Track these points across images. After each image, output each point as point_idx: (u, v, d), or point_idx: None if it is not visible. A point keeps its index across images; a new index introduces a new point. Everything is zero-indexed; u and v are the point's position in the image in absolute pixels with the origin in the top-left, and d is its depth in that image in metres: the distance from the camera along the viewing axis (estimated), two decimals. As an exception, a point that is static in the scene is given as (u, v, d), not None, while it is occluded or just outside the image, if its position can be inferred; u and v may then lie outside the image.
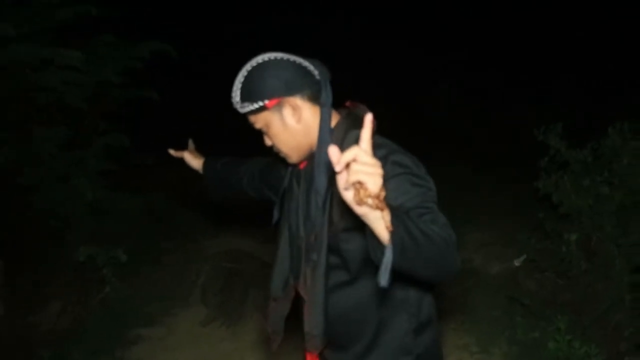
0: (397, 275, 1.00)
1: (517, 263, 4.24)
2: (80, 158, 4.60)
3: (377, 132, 1.25)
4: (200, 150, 2.07)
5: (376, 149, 1.01)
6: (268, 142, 1.41)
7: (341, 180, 0.90)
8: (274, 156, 1.49)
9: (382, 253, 0.95)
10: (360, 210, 0.91)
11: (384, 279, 0.94)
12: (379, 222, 0.92)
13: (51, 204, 4.36)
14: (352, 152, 0.87)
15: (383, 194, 0.90)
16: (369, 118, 0.93)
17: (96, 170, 4.63)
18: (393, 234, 0.92)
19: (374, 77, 9.63)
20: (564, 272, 3.72)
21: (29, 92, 4.26)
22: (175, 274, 4.51)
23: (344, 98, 1.44)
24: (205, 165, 1.93)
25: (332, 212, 1.27)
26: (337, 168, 0.89)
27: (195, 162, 1.97)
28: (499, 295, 3.82)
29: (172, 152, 2.02)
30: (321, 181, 1.25)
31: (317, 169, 1.26)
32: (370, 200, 0.89)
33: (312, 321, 1.32)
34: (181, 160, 2.05)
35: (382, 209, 0.91)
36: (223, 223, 5.53)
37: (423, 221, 1.05)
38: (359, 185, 0.89)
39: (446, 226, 1.09)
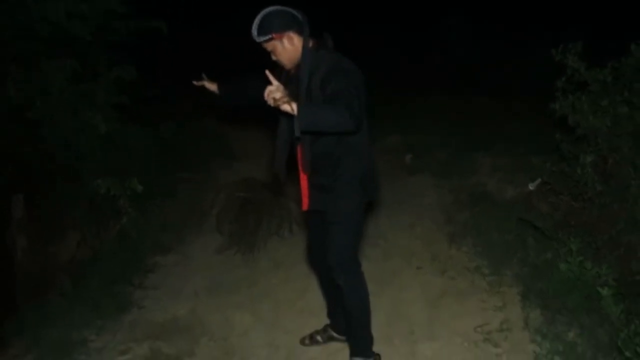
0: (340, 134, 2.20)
1: (531, 187, 4.18)
2: (90, 91, 4.56)
3: (344, 54, 2.23)
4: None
5: (330, 61, 2.18)
6: (274, 57, 2.28)
7: (269, 100, 1.88)
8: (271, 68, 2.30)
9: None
10: (281, 108, 1.88)
11: (297, 131, 1.90)
12: (290, 110, 1.88)
13: (63, 137, 4.37)
14: (268, 89, 1.86)
15: (285, 98, 1.86)
16: (267, 73, 1.93)
17: (107, 103, 4.60)
18: (299, 112, 1.88)
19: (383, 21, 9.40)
20: (579, 195, 3.67)
21: (33, 25, 4.17)
22: (190, 203, 4.58)
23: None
24: (219, 86, 2.75)
25: (311, 93, 2.19)
26: (265, 97, 1.88)
27: (212, 86, 2.77)
28: (511, 219, 3.79)
29: (195, 82, 2.79)
30: (304, 75, 2.20)
31: (302, 70, 2.21)
32: (280, 102, 1.86)
33: (304, 155, 2.30)
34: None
35: (289, 104, 1.87)
36: (235, 153, 5.54)
37: (333, 103, 1.98)
38: (274, 99, 1.86)
39: (351, 105, 1.95)
